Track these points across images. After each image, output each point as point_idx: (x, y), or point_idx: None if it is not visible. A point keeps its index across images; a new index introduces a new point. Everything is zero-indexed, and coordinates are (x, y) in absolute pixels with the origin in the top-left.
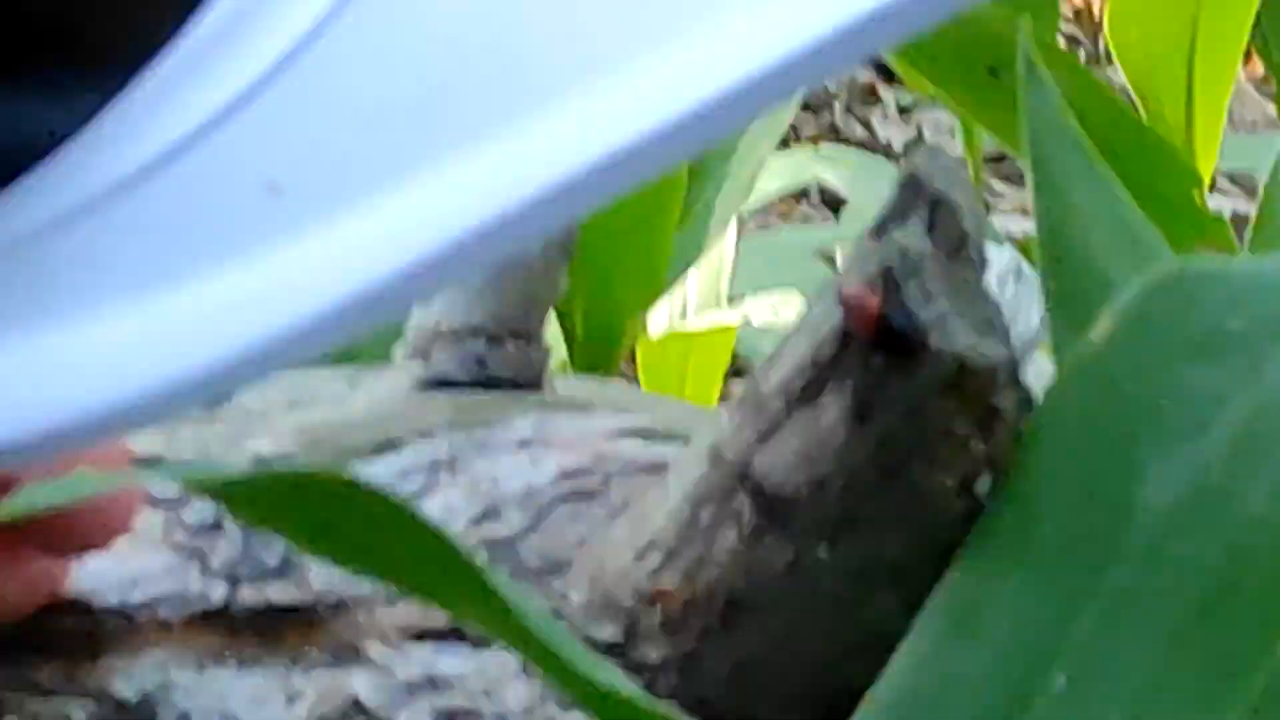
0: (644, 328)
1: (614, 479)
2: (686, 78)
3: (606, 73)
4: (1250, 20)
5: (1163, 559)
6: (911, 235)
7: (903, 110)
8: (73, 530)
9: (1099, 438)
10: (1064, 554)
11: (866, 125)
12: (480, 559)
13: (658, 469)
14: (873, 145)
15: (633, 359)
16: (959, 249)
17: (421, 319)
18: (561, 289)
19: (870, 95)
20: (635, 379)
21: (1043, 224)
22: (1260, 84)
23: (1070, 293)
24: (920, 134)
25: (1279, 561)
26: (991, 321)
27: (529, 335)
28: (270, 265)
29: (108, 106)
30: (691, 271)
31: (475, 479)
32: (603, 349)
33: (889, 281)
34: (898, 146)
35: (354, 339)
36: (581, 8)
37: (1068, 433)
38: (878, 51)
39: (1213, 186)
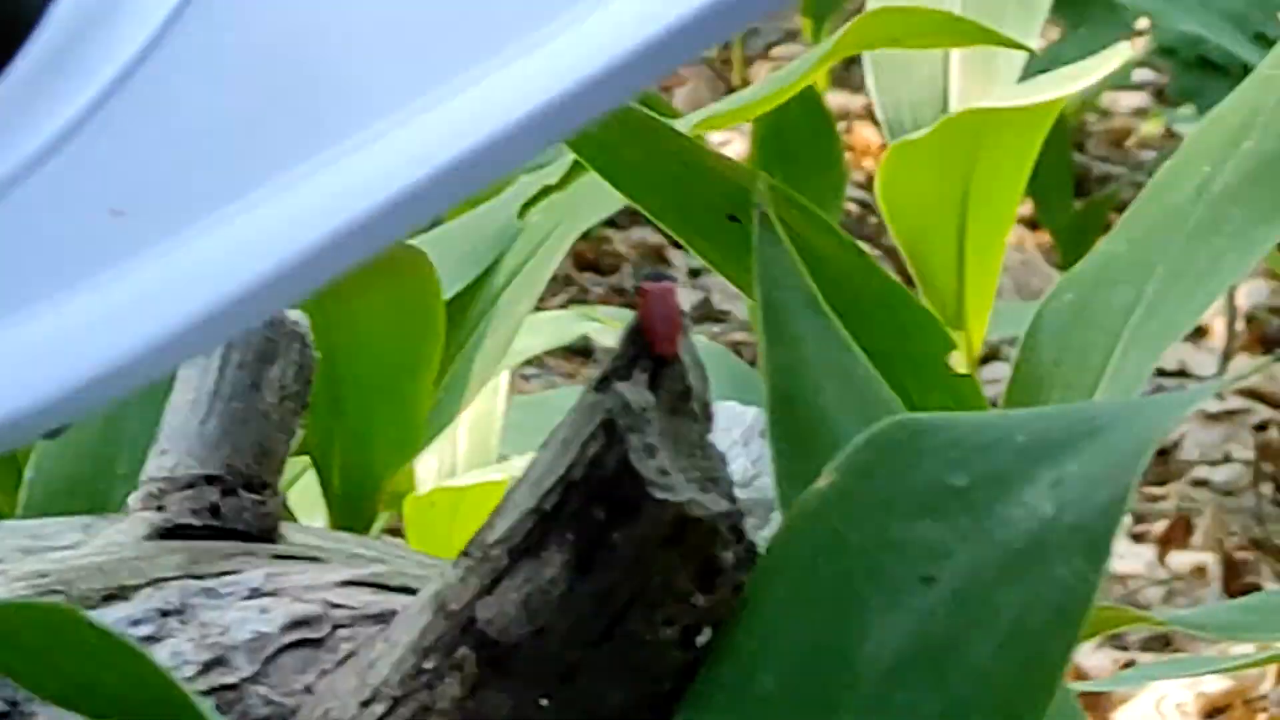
0: (412, 485)
1: (342, 628)
2: (502, 99)
3: (432, 94)
4: (1021, 189)
5: (885, 713)
6: (635, 388)
7: (693, 274)
8: None
9: (822, 590)
10: (785, 707)
11: None
12: (207, 706)
13: (387, 618)
14: None
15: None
16: (682, 403)
17: (156, 468)
18: (295, 440)
19: (659, 259)
20: (404, 536)
21: (772, 375)
22: (1048, 253)
23: (798, 445)
24: (708, 298)
25: (1003, 715)
26: (715, 476)
27: (263, 485)
28: (121, 286)
29: None
30: (462, 430)
31: (205, 627)
32: (360, 503)
33: (611, 433)
34: (685, 308)
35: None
36: (392, 38)
37: (791, 585)
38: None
39: (997, 355)
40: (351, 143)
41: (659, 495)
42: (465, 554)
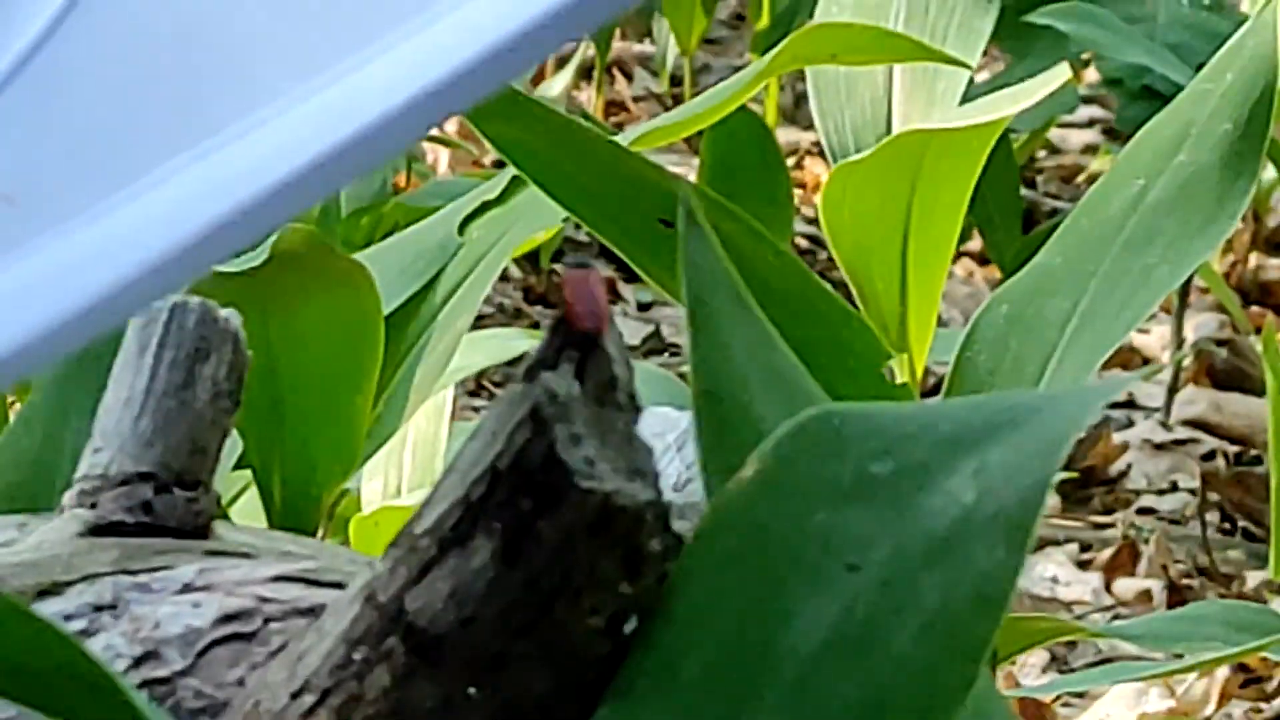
0: (359, 507)
1: (274, 622)
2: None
3: (321, 74)
4: (962, 211)
5: (808, 699)
6: (561, 378)
7: (642, 307)
8: None
9: (746, 579)
10: (710, 695)
11: None
12: (140, 697)
13: (318, 612)
14: None
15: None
16: (608, 393)
17: (90, 466)
18: (227, 437)
19: (610, 292)
20: None
21: (698, 369)
22: (995, 288)
23: (724, 437)
24: (658, 330)
25: (924, 701)
26: (641, 466)
27: (196, 483)
28: (8, 275)
29: None
30: (407, 452)
31: (137, 621)
32: (301, 515)
33: (537, 423)
34: (635, 341)
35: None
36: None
37: (715, 574)
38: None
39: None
40: (234, 130)
41: (584, 484)
42: (394, 545)
